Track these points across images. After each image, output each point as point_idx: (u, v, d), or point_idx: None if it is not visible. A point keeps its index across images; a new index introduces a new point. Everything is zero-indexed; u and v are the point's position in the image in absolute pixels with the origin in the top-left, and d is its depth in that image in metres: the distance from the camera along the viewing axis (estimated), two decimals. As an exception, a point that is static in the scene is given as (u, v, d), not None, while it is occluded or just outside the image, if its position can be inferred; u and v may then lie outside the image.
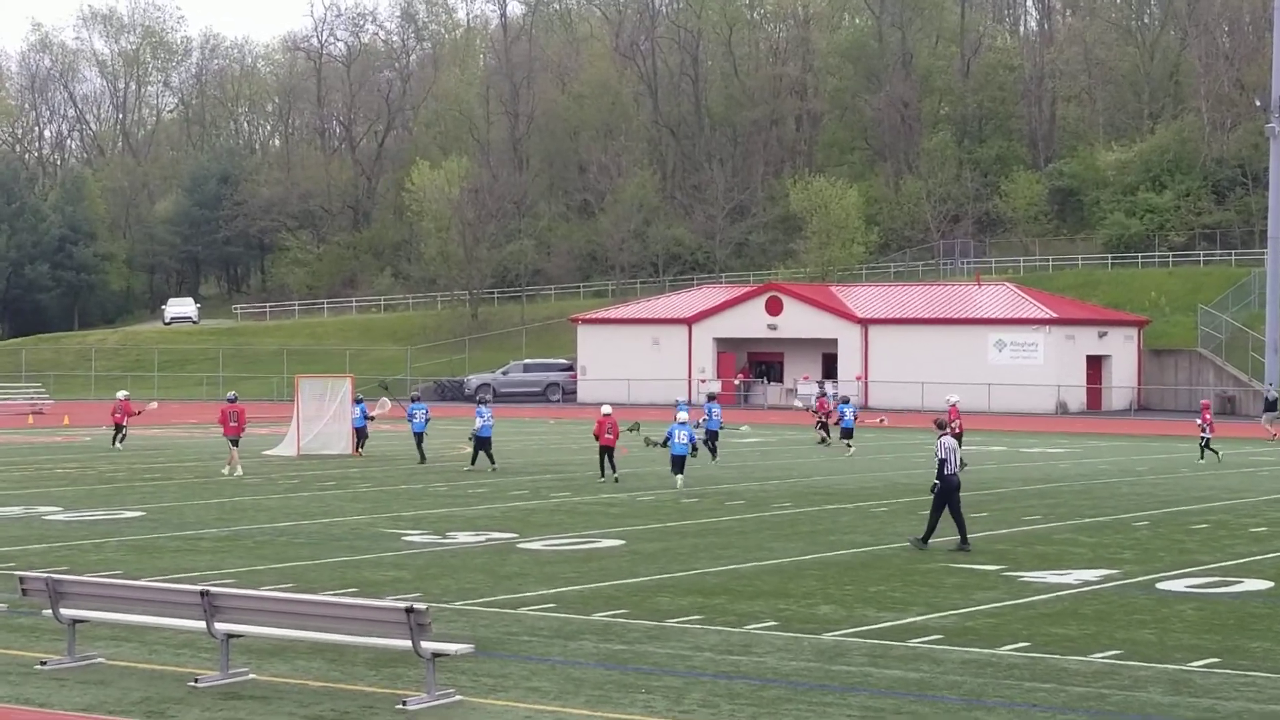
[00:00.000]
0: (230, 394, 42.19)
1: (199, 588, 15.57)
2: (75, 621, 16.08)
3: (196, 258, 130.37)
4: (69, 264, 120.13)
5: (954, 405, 40.79)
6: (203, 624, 15.29)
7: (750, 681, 15.52)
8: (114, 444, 48.94)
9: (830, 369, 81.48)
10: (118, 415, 49.49)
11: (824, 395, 57.35)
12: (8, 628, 17.80)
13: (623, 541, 26.03)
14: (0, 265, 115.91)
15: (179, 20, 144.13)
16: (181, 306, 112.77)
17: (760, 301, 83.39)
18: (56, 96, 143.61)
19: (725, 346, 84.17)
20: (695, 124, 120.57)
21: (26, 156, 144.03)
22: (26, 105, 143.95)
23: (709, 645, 17.24)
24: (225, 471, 39.16)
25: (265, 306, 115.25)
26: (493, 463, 40.57)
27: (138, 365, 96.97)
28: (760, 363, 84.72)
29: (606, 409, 38.16)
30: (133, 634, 17.12)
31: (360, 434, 45.95)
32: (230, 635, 15.37)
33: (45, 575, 16.37)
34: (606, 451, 37.17)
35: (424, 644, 14.31)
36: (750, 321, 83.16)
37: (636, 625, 18.39)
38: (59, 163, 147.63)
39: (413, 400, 45.35)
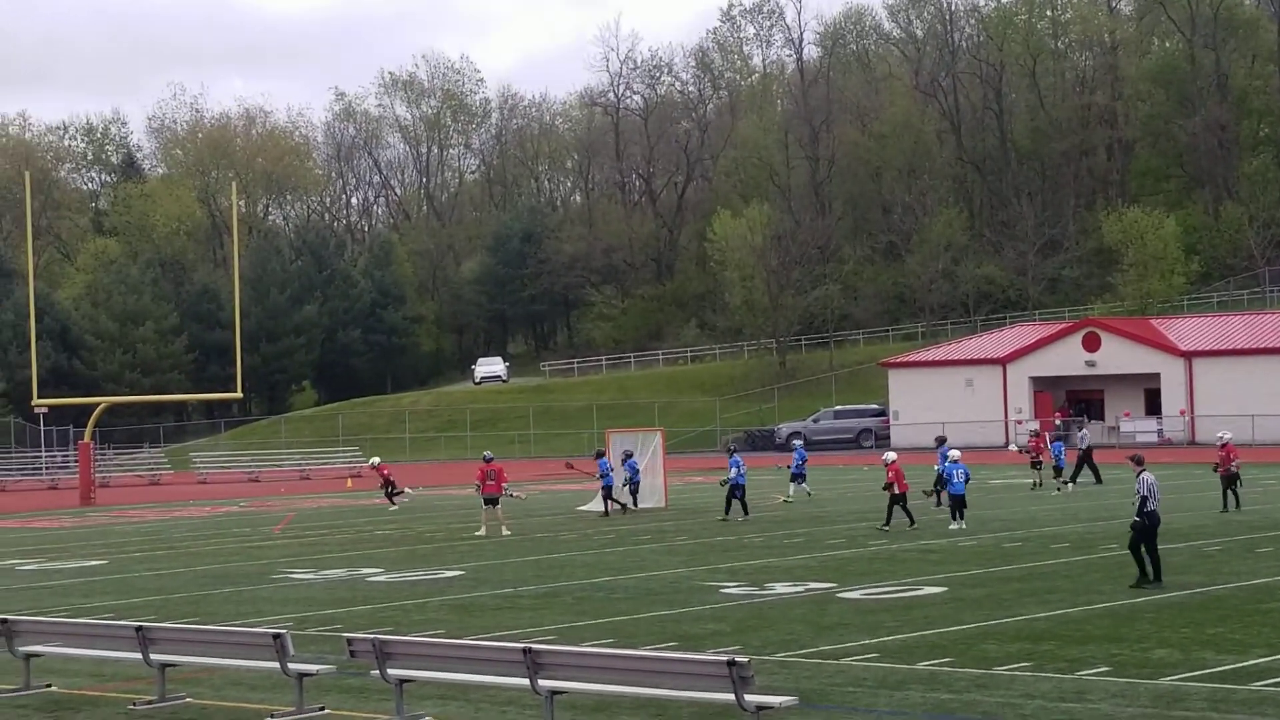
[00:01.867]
0: (486, 453, 42.13)
1: (522, 645, 15.54)
2: (402, 681, 16.22)
3: (504, 316, 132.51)
4: (380, 328, 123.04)
5: (1228, 443, 39.03)
6: (526, 681, 15.28)
7: (1086, 731, 14.93)
8: (392, 502, 50.31)
9: (1154, 405, 79.18)
10: (381, 481, 51.19)
11: (1037, 434, 54.70)
12: (338, 689, 18.05)
13: (945, 588, 25.39)
14: (314, 332, 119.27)
15: (478, 82, 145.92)
16: (491, 366, 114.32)
17: (1077, 338, 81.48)
18: (362, 164, 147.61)
19: (1042, 385, 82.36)
20: (1001, 159, 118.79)
21: (335, 224, 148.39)
22: (334, 174, 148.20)
23: (1040, 693, 16.64)
24: (480, 533, 38.81)
25: (573, 362, 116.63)
26: (745, 512, 40.39)
27: (450, 426, 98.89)
28: (1080, 401, 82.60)
29: (891, 455, 37.47)
30: (458, 692, 17.21)
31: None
32: (554, 692, 15.31)
33: (372, 636, 16.54)
34: (900, 500, 36.38)
35: (747, 697, 14.09)
36: (1067, 359, 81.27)
37: (963, 674, 17.85)
38: (366, 229, 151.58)
39: (598, 456, 45.24)
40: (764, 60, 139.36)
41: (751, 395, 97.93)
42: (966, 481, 36.29)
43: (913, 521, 36.20)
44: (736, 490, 40.33)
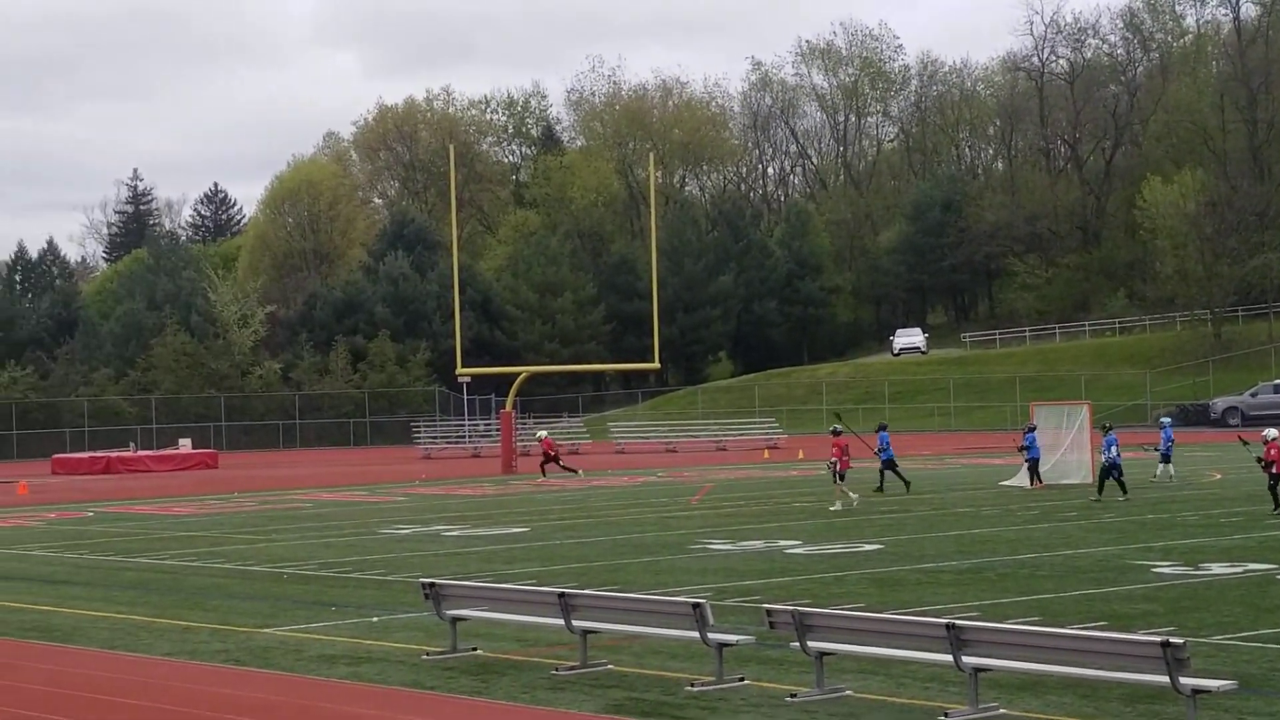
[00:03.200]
0: (835, 426, 41.56)
1: (945, 620, 15.15)
2: (822, 654, 15.99)
3: (922, 286, 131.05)
4: (796, 298, 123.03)
5: None
6: (949, 657, 14.89)
7: None
8: (543, 472, 53.54)
9: None
10: (542, 454, 53.98)
11: None
12: (757, 659, 17.91)
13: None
14: (731, 302, 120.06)
15: (896, 49, 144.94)
16: (910, 337, 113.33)
17: None
18: (778, 133, 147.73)
19: None
20: None
21: (751, 194, 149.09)
22: (750, 144, 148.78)
23: None
24: (837, 506, 38.70)
25: (994, 333, 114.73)
26: (1123, 492, 39.31)
27: (868, 397, 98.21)
28: None
29: (1272, 432, 35.00)
30: (878, 667, 16.88)
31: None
32: (978, 669, 14.87)
33: (791, 608, 16.37)
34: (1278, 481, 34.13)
35: (1183, 680, 13.52)
36: None
37: None
38: (782, 198, 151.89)
39: (880, 429, 45.34)
40: (1198, 20, 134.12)
41: (1184, 368, 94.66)
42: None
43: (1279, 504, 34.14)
44: (1113, 470, 39.40)
